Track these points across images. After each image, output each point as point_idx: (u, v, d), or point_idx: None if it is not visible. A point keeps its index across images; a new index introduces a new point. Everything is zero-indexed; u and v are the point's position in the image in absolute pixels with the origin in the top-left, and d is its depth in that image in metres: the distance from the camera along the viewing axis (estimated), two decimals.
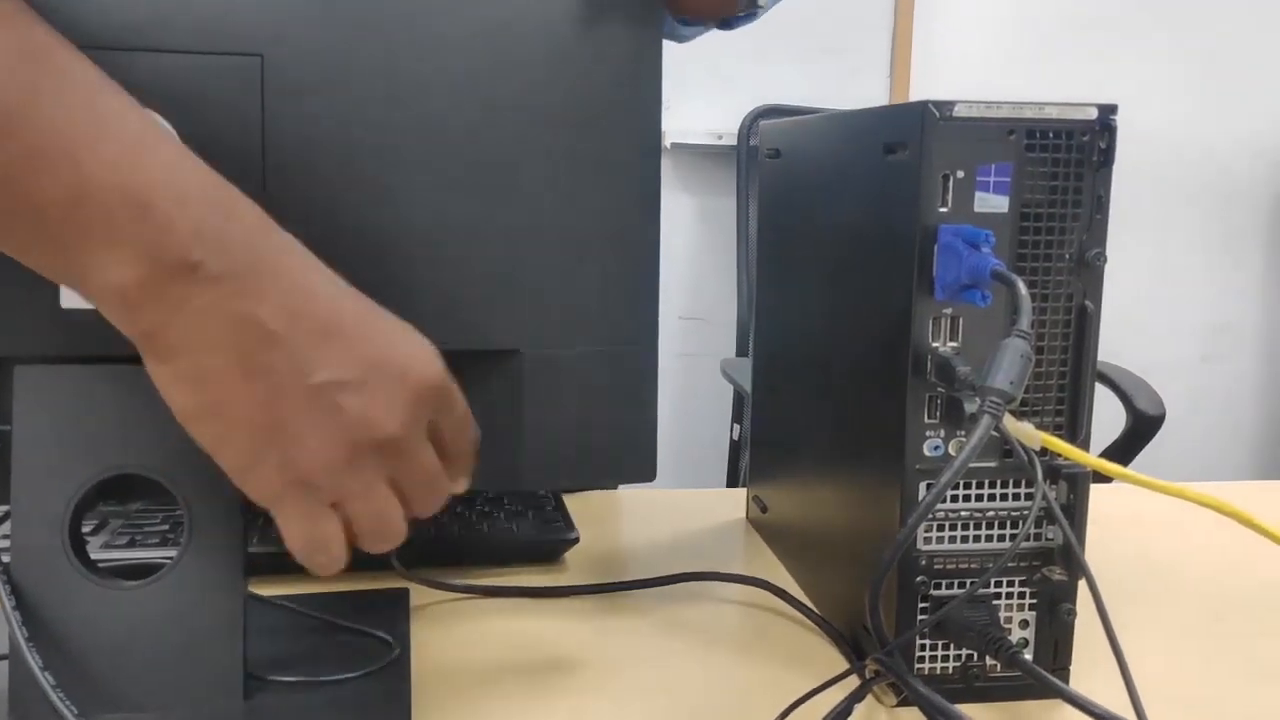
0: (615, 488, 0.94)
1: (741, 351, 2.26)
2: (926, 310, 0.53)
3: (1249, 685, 0.62)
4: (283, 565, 0.71)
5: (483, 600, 0.70)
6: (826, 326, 0.66)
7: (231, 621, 0.52)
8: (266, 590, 0.64)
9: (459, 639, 0.64)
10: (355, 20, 0.52)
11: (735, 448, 2.25)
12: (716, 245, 2.48)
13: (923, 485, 0.55)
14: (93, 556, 0.52)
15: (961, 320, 0.54)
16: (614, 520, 0.88)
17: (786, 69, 2.42)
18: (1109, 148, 0.53)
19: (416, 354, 0.48)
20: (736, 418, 2.29)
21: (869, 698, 0.57)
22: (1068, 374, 0.55)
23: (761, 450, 0.82)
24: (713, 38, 0.93)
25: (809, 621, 0.67)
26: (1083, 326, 0.55)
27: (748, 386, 1.98)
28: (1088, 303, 0.55)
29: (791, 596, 0.69)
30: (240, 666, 0.52)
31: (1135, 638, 0.66)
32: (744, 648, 0.64)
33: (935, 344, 0.54)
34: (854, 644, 0.63)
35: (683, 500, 0.91)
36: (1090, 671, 0.56)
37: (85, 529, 0.67)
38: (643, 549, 0.81)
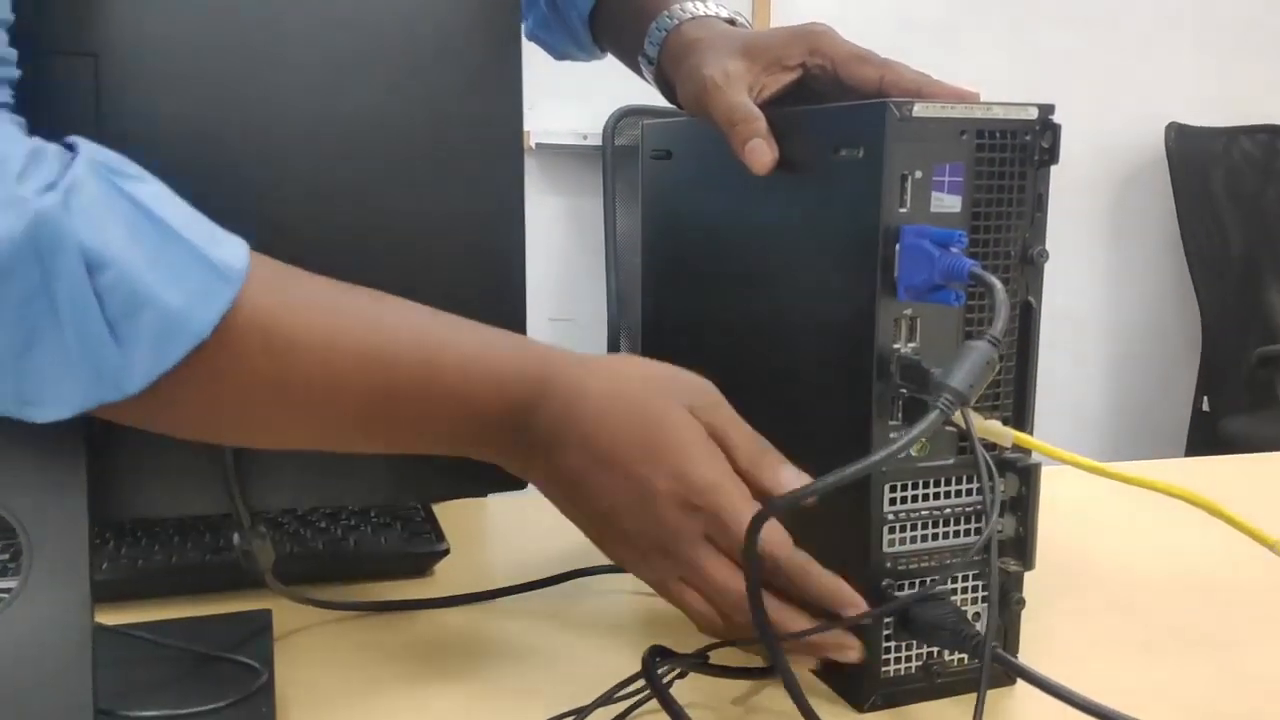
0: (484, 495, 0.93)
1: (613, 351, 2.27)
2: (889, 311, 0.53)
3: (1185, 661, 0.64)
4: (135, 591, 0.68)
5: (352, 617, 0.68)
6: (751, 329, 0.65)
7: (79, 654, 0.49)
8: (119, 618, 0.61)
9: (327, 659, 0.63)
10: (197, 18, 0.50)
11: None
12: (584, 246, 2.48)
13: (885, 487, 0.54)
14: None
15: (919, 320, 0.54)
16: (484, 529, 0.87)
17: None
18: (1051, 147, 0.54)
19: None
20: None
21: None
22: (1014, 369, 0.56)
23: None
24: None
25: None
26: (1027, 322, 0.56)
27: None
28: (1031, 299, 0.56)
29: None
30: (90, 703, 0.49)
31: (1060, 621, 0.68)
32: (632, 644, 0.63)
33: (896, 345, 0.53)
34: None
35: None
36: (1033, 659, 0.56)
37: None
38: (514, 556, 0.80)
